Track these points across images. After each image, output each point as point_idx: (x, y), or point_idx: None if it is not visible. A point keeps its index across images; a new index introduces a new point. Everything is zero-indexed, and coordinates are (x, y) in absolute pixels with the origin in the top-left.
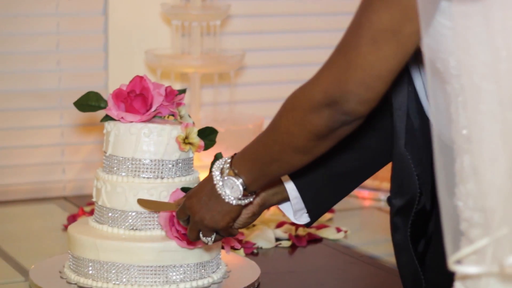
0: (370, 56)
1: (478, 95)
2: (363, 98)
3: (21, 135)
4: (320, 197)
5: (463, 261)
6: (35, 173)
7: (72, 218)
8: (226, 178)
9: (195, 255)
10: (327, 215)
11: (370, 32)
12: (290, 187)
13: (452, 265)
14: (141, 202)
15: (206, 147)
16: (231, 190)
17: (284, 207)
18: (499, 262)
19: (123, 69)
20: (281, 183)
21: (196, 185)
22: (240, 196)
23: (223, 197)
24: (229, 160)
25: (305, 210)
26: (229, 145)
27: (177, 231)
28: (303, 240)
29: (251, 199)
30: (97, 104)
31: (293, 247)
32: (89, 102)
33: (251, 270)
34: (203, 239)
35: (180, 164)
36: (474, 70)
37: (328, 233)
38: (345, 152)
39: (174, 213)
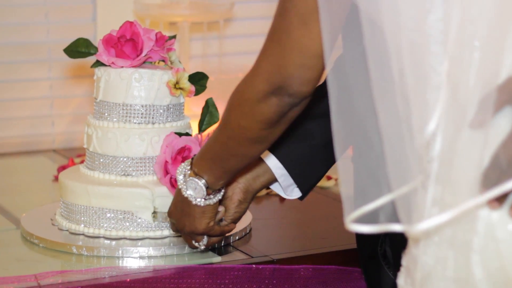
0: (303, 38)
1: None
2: (305, 79)
3: (9, 88)
4: (308, 170)
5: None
6: (24, 126)
7: (62, 169)
8: (188, 179)
9: None
10: None
11: (298, 15)
12: (275, 165)
13: (349, 224)
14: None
15: (197, 92)
16: (194, 191)
17: (274, 186)
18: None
19: (112, 20)
20: (262, 165)
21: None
22: (205, 196)
23: (190, 200)
24: (189, 162)
25: (295, 185)
26: (219, 93)
27: (170, 178)
28: None
29: (219, 197)
30: (87, 50)
31: None
32: (79, 49)
33: (243, 216)
34: (196, 244)
35: (171, 109)
36: (405, 26)
37: None
38: (327, 121)
39: (167, 158)
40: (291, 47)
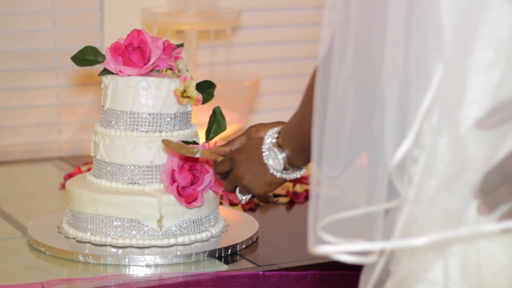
0: None
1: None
2: None
3: (16, 96)
4: None
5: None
6: (31, 133)
7: (69, 177)
8: (271, 149)
9: (194, 209)
10: None
11: None
12: None
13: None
14: (166, 142)
15: (204, 101)
16: (273, 161)
17: None
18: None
19: (119, 28)
20: None
21: (241, 141)
22: (282, 170)
23: (268, 167)
24: (279, 129)
25: None
26: (226, 102)
27: (177, 186)
28: (300, 197)
29: (298, 175)
30: (94, 58)
31: (290, 203)
32: (86, 57)
33: (249, 225)
34: (238, 195)
35: (178, 118)
36: None
37: None
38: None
39: (173, 166)
40: None
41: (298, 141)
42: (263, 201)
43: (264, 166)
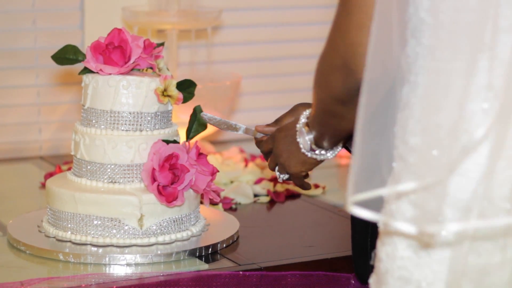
0: None
1: (421, 28)
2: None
3: None
4: None
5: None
6: (11, 133)
7: (50, 176)
8: (302, 128)
9: (175, 208)
10: None
11: None
12: None
13: (349, 206)
14: (206, 117)
15: (185, 100)
16: (303, 141)
17: None
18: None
19: (100, 27)
20: None
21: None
22: (309, 150)
23: (299, 145)
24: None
25: None
26: (207, 101)
27: (158, 185)
28: (281, 196)
29: (330, 156)
30: (75, 57)
31: (271, 203)
32: (66, 55)
33: (230, 224)
34: (276, 173)
35: (159, 117)
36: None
37: None
38: None
39: (154, 165)
40: (352, 4)
41: (317, 125)
42: (299, 184)
43: (297, 144)
